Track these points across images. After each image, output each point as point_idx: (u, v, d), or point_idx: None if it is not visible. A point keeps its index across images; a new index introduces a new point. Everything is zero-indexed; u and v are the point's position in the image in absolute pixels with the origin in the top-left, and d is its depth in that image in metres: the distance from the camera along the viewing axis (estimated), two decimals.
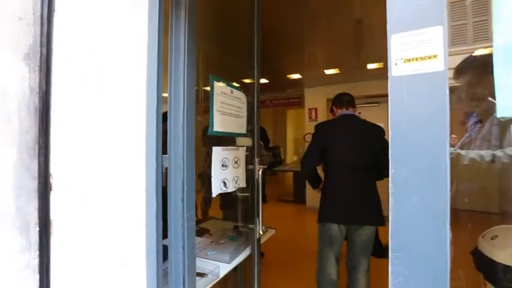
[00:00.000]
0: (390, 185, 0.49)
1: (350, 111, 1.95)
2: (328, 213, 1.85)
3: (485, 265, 1.09)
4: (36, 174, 0.84)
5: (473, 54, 1.10)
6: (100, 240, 0.93)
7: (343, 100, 1.99)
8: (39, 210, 0.84)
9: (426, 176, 0.46)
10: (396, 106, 0.48)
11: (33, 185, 0.84)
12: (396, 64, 0.48)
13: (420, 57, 0.47)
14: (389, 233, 0.49)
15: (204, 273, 1.26)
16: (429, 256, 0.46)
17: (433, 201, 0.46)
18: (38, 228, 0.83)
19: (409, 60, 0.47)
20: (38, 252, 0.83)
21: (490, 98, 0.43)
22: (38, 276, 0.83)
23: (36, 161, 0.84)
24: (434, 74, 0.46)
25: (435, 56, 0.46)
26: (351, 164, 1.80)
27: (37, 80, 0.84)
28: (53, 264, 0.88)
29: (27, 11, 0.82)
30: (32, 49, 0.83)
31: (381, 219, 1.76)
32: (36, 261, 0.83)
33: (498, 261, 1.02)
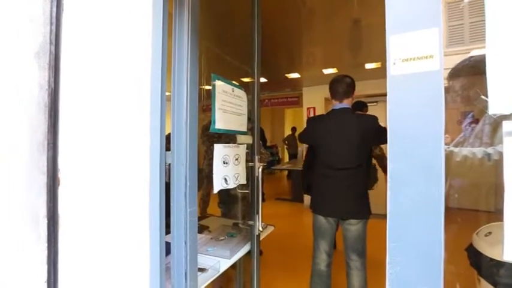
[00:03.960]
0: (388, 179, 0.51)
1: (344, 103, 1.86)
2: (314, 205, 1.95)
3: (479, 261, 1.12)
4: (45, 169, 0.86)
5: (470, 54, 1.13)
6: (105, 234, 0.95)
7: (338, 91, 1.86)
8: (48, 204, 0.86)
9: (422, 170, 0.49)
10: (394, 104, 0.51)
11: (42, 179, 0.86)
12: (394, 64, 0.51)
13: (417, 57, 0.49)
14: (387, 224, 0.51)
15: (205, 268, 1.28)
16: (425, 246, 0.49)
17: (428, 194, 0.48)
18: (46, 221, 0.85)
19: (406, 60, 0.50)
20: (46, 245, 0.85)
21: (482, 96, 0.45)
22: (46, 268, 0.85)
23: (45, 157, 0.86)
24: (430, 73, 0.48)
25: (431, 56, 0.48)
26: (335, 165, 1.82)
27: (46, 77, 0.86)
28: (60, 256, 0.89)
29: (38, 10, 0.84)
30: (42, 48, 0.84)
31: (363, 214, 1.80)
32: (44, 253, 0.85)
33: (491, 257, 1.05)
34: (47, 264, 0.84)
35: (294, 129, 8.87)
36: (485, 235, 1.19)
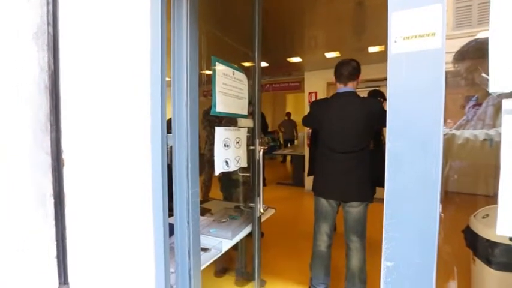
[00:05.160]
0: (387, 157, 0.52)
1: (349, 87, 1.85)
2: (316, 187, 1.98)
3: (475, 242, 1.15)
4: (49, 150, 0.88)
5: (477, 36, 1.10)
6: (110, 214, 0.98)
7: (343, 74, 1.84)
8: (54, 184, 0.88)
9: (420, 148, 0.49)
10: (394, 82, 0.51)
11: (47, 160, 0.87)
12: (396, 42, 0.50)
13: (419, 35, 0.48)
14: (384, 202, 0.53)
15: (208, 248, 1.32)
16: (420, 222, 0.50)
17: (426, 172, 0.49)
18: (53, 200, 0.88)
19: (408, 38, 0.49)
20: (54, 222, 0.88)
21: (483, 74, 0.45)
22: (55, 244, 0.88)
23: (49, 137, 0.87)
24: (431, 51, 0.48)
25: (433, 34, 0.47)
26: (338, 148, 1.83)
27: (46, 58, 0.85)
28: (68, 233, 0.93)
29: None
30: (40, 28, 0.83)
31: (365, 196, 1.83)
32: (52, 230, 0.88)
33: (487, 238, 1.08)
34: (56, 241, 0.88)
35: (288, 114, 8.83)
36: (483, 217, 1.21)
